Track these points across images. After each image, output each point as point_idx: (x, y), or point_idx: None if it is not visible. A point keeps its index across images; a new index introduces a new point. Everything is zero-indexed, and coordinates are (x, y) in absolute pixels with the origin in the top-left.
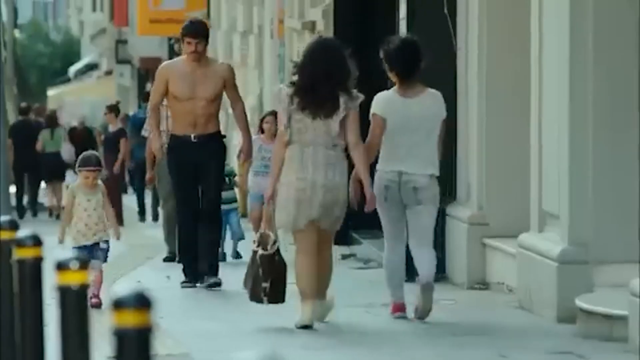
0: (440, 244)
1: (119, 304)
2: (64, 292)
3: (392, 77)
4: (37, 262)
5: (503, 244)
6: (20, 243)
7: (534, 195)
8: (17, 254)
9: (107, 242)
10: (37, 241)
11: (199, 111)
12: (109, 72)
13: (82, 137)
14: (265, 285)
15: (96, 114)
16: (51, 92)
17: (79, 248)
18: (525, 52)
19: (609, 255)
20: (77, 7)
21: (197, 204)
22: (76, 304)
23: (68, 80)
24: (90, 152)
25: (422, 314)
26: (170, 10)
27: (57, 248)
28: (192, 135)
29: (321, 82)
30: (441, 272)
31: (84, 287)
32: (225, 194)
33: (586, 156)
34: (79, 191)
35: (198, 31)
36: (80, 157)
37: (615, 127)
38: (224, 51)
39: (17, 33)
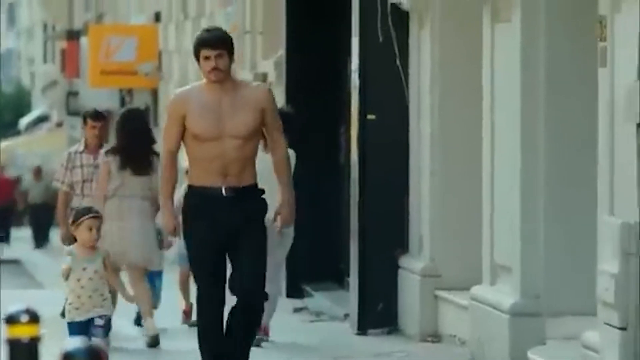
0: (392, 295)
1: (68, 358)
2: (14, 346)
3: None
4: None
5: (455, 296)
6: None
7: (486, 247)
8: None
9: (104, 316)
10: None
11: (231, 155)
12: (59, 124)
13: None
14: None
15: (47, 166)
16: (2, 145)
17: (72, 324)
18: (477, 104)
19: (561, 308)
20: (29, 58)
21: (224, 284)
22: (26, 358)
23: (19, 132)
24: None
25: None
26: (121, 62)
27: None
28: (223, 188)
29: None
30: (393, 325)
31: (34, 341)
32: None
33: (537, 208)
34: (75, 256)
35: (217, 40)
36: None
37: (567, 179)
38: None
39: None
